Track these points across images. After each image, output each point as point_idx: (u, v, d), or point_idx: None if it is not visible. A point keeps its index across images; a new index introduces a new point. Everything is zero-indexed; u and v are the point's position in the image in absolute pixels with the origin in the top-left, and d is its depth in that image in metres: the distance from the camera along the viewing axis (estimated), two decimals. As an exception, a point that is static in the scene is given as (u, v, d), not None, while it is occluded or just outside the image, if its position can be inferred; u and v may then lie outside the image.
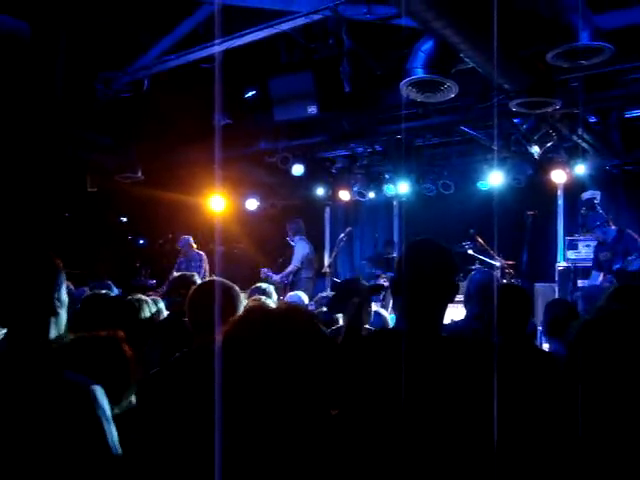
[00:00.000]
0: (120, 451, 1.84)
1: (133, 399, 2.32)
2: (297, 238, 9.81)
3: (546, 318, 4.28)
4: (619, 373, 1.63)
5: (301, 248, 9.74)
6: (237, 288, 2.73)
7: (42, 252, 1.92)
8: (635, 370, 1.62)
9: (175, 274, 8.11)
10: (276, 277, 9.50)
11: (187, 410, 2.13)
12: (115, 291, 5.17)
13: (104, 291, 4.27)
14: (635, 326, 1.68)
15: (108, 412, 1.84)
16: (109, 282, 5.26)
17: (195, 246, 9.79)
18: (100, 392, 1.85)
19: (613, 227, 7.23)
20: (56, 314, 1.92)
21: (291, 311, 1.53)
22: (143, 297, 3.40)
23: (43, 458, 1.72)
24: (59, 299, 1.93)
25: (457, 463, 1.91)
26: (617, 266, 6.85)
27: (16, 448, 1.72)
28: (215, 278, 3.06)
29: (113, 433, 1.84)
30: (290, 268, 9.60)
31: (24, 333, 1.86)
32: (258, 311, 1.54)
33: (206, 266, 9.68)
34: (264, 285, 5.48)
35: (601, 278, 7.35)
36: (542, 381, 2.74)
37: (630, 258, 6.70)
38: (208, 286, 2.72)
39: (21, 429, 1.72)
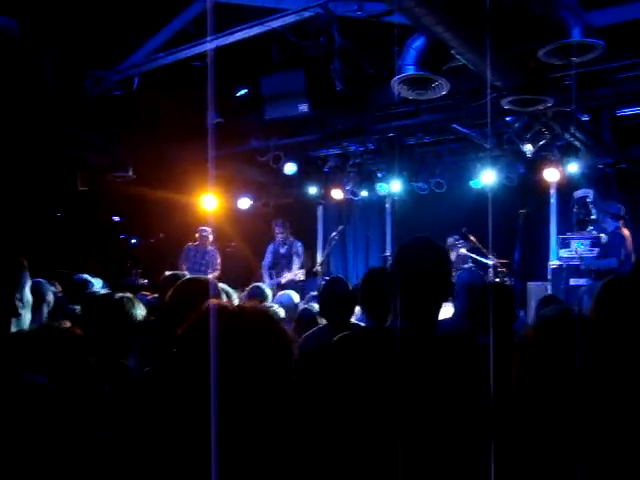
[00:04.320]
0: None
1: None
2: (292, 239, 9.68)
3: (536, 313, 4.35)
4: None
5: (302, 249, 9.63)
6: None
7: (5, 250, 1.80)
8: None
9: (167, 273, 8.01)
10: (281, 279, 9.29)
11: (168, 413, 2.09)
12: (95, 286, 5.12)
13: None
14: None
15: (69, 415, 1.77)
16: (84, 276, 5.21)
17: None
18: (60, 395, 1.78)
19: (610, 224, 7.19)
20: (17, 315, 1.82)
21: (247, 311, 1.51)
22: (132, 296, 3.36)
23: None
24: (21, 299, 1.84)
25: (452, 461, 1.90)
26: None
27: None
28: (190, 276, 3.00)
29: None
30: (299, 270, 9.44)
31: None
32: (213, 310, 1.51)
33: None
34: (262, 285, 5.46)
35: None
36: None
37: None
38: (185, 286, 2.65)
39: None
